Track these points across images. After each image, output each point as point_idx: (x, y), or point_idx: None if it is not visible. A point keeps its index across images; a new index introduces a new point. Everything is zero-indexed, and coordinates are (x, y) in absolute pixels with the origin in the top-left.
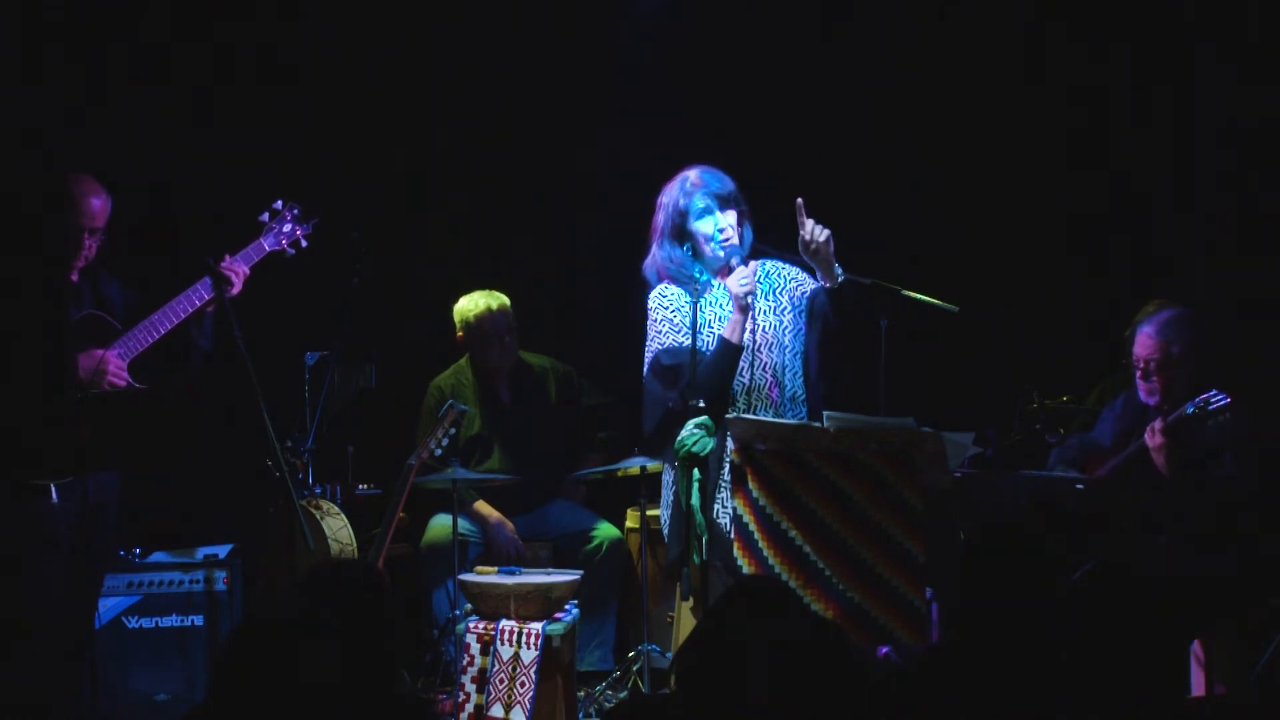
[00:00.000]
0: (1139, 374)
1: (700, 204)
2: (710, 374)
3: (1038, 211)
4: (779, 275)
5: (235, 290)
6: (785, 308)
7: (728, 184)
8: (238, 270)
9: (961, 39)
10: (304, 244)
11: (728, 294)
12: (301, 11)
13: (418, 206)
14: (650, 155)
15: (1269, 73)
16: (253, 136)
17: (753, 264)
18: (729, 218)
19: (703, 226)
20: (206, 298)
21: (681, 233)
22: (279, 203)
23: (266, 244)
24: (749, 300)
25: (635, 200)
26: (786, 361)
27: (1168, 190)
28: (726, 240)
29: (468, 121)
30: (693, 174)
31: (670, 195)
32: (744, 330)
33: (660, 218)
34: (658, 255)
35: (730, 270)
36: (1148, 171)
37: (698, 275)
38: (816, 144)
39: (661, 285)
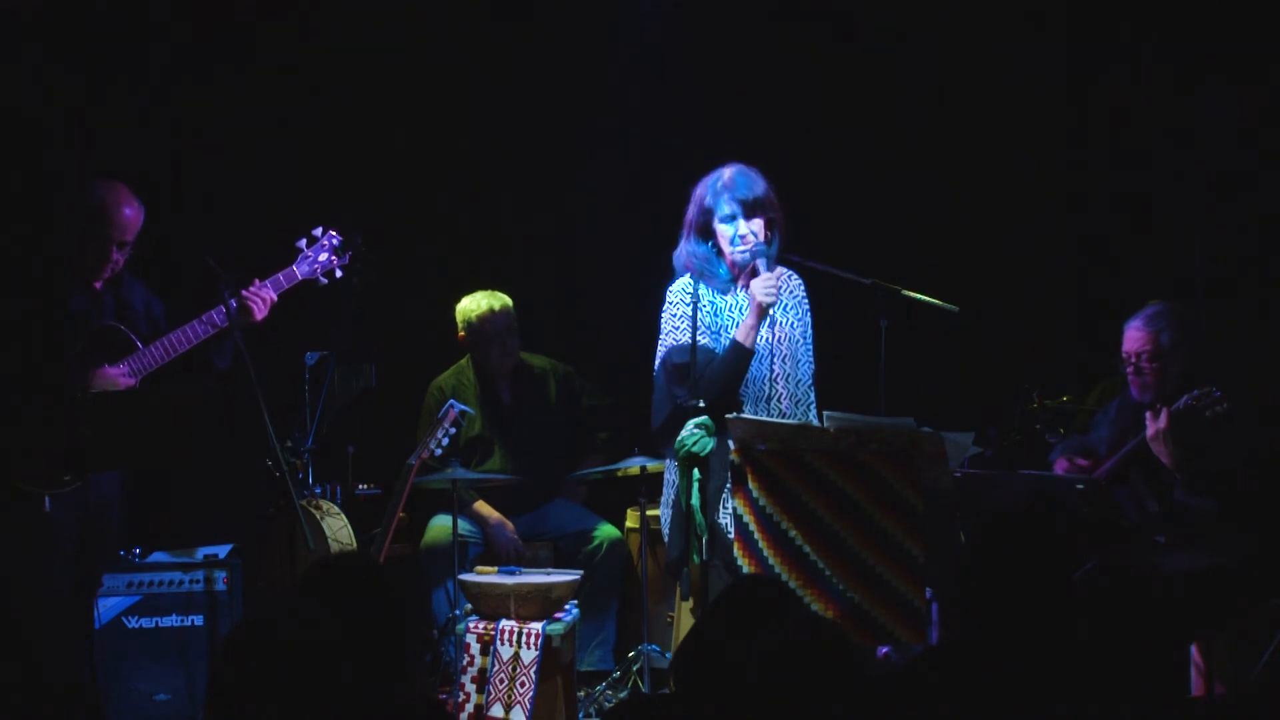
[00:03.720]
0: (1131, 370)
1: (726, 209)
2: (718, 374)
3: (1038, 211)
4: (800, 289)
5: (259, 316)
6: (799, 321)
7: (758, 188)
8: (264, 296)
9: (961, 38)
10: (339, 274)
11: (745, 297)
12: (302, 13)
13: (418, 206)
14: (651, 156)
15: (1268, 72)
16: (253, 137)
17: (779, 270)
18: (753, 224)
19: (725, 230)
20: (221, 326)
21: (706, 230)
22: (318, 230)
23: (300, 271)
24: (770, 310)
25: (636, 201)
26: (800, 375)
27: (1168, 189)
28: (743, 249)
29: (469, 121)
30: (726, 173)
31: (701, 191)
32: (757, 335)
33: (691, 211)
34: (684, 248)
35: (755, 273)
36: (1148, 170)
37: (721, 273)
38: (817, 144)
39: (683, 279)
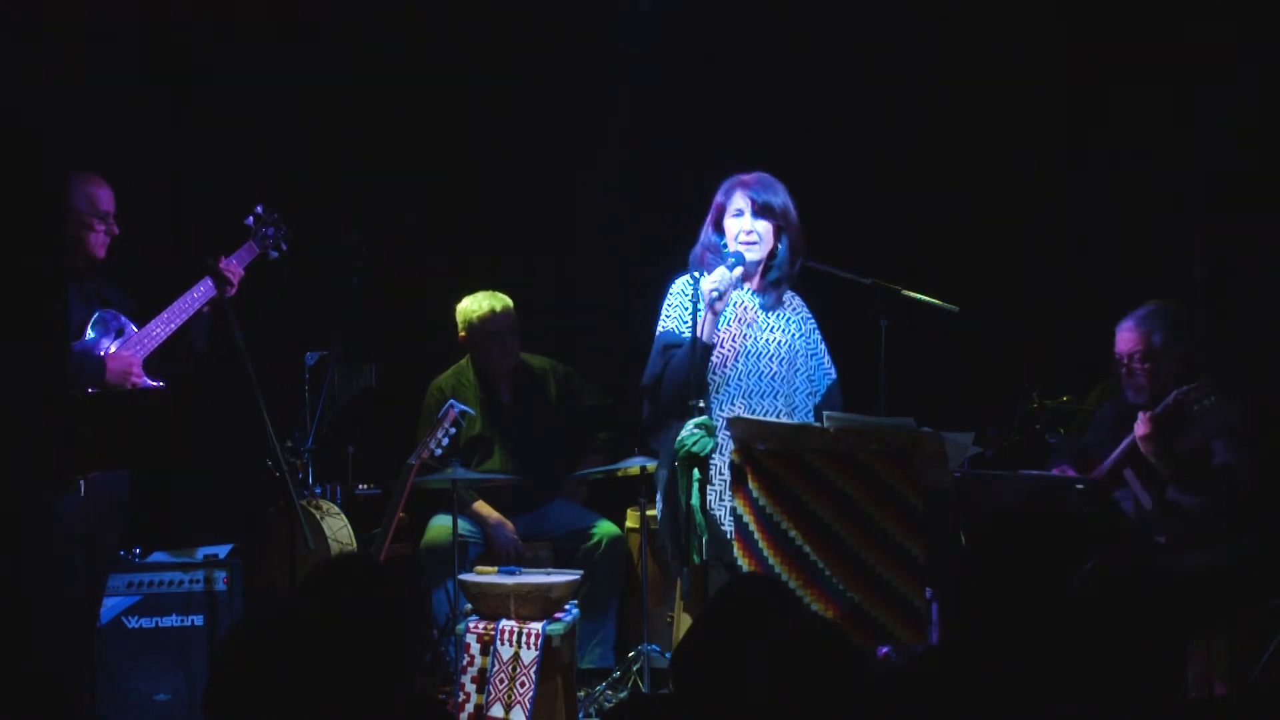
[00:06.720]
0: (1124, 372)
1: (736, 205)
2: (680, 368)
3: (1038, 211)
4: (801, 307)
5: (233, 290)
6: (802, 338)
7: (774, 196)
8: (235, 271)
9: (962, 39)
10: (284, 247)
11: (749, 291)
12: (302, 11)
13: (419, 207)
14: (652, 156)
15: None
16: (255, 136)
17: (737, 270)
18: (759, 225)
19: (730, 225)
20: (209, 296)
21: (718, 224)
22: (260, 208)
23: (257, 246)
24: (716, 303)
25: (637, 201)
26: (798, 384)
27: (1168, 189)
28: (741, 243)
29: (469, 120)
30: (750, 175)
31: (722, 187)
32: (714, 329)
33: (713, 205)
34: (701, 240)
35: (746, 275)
36: (1148, 171)
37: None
38: (817, 145)
39: (684, 278)
